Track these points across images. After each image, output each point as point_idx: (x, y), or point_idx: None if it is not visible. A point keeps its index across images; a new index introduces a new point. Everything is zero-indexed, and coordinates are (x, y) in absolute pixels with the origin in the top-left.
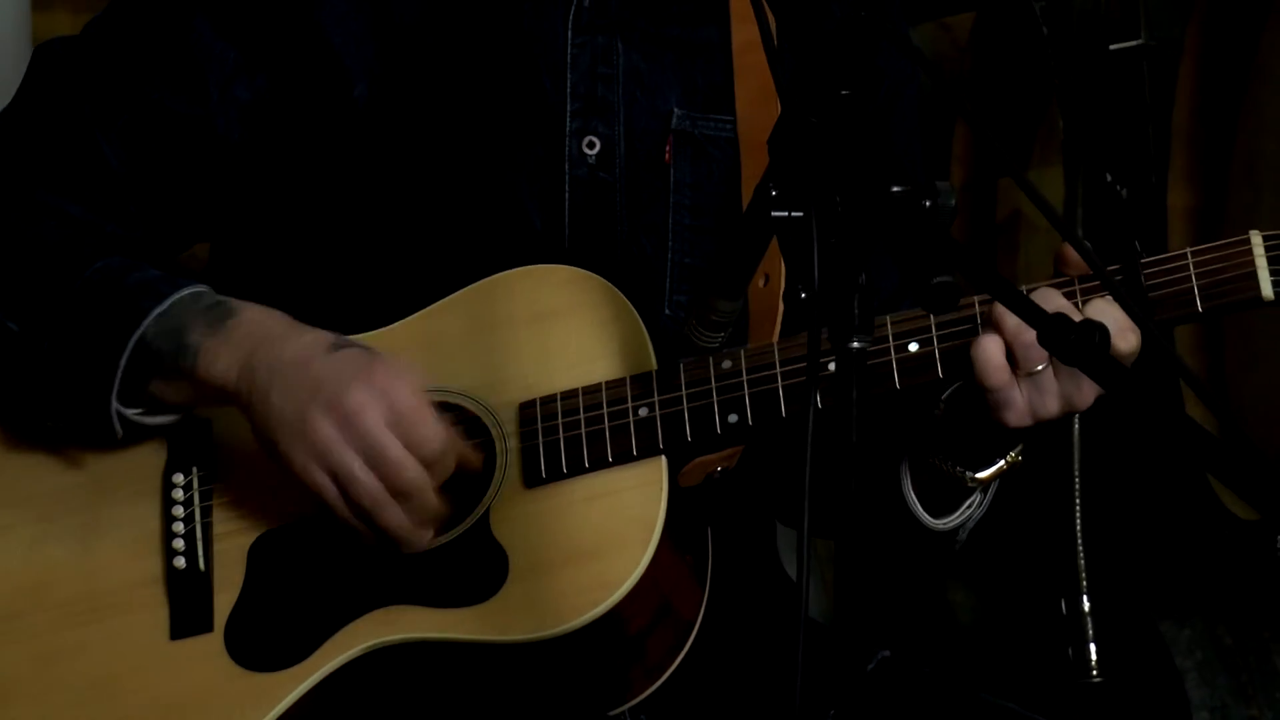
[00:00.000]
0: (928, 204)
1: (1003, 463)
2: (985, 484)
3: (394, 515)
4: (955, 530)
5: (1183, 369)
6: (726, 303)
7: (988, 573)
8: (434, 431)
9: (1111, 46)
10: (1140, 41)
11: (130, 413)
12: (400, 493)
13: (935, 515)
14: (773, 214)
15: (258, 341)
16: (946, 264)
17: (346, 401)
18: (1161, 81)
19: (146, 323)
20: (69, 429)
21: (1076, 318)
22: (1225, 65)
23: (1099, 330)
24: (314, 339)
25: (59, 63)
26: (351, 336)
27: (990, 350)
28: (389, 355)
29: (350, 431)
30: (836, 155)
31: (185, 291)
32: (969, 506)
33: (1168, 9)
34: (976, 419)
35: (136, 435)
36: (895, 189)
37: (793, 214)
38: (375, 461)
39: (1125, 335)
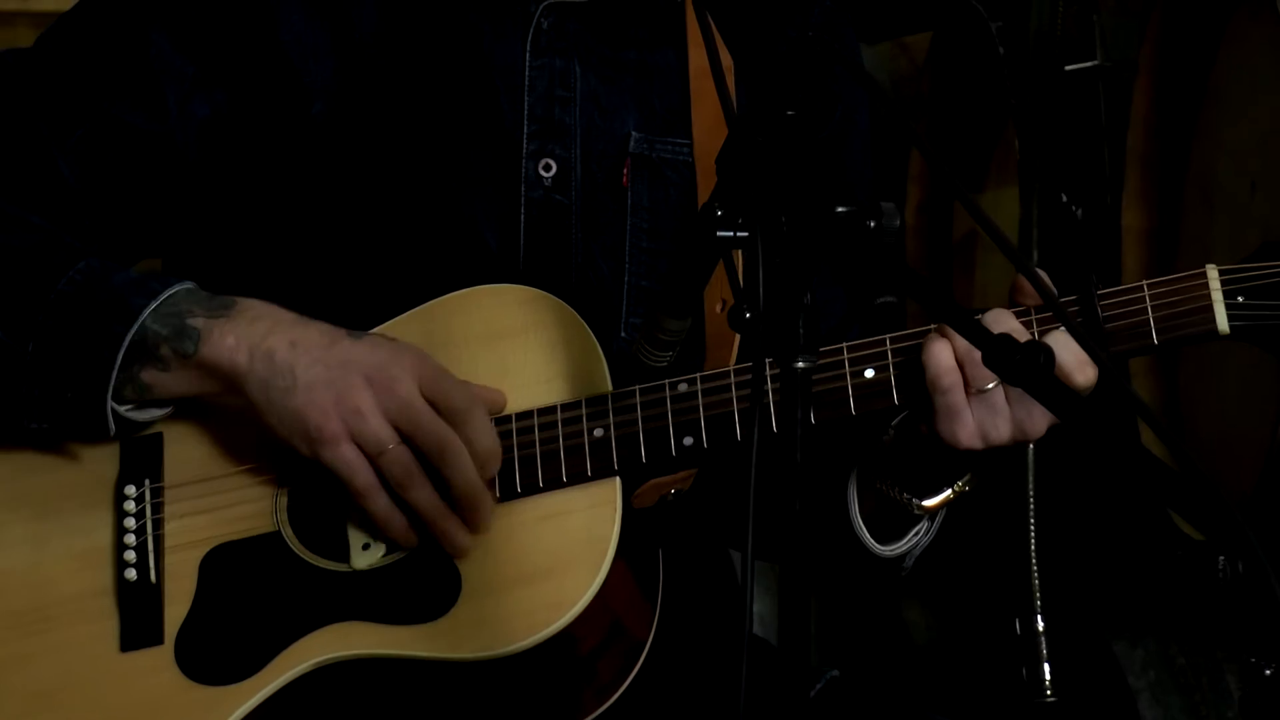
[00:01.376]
0: (872, 225)
1: (949, 492)
2: (932, 512)
3: (424, 493)
4: (901, 557)
5: (1137, 402)
6: (675, 321)
7: (942, 592)
8: (460, 388)
9: (1067, 67)
10: (1096, 62)
11: (123, 409)
12: (435, 449)
13: (882, 541)
14: (718, 234)
15: (271, 324)
16: (890, 284)
17: (382, 374)
18: (1116, 102)
19: (143, 317)
20: (57, 429)
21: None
22: (1179, 86)
23: (1043, 351)
24: (330, 327)
25: (10, 75)
26: None
27: (941, 353)
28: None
29: (388, 399)
30: (782, 176)
31: (179, 286)
32: (915, 534)
33: (1123, 30)
34: (926, 446)
35: (127, 431)
36: (840, 209)
37: (738, 234)
38: (411, 428)
39: (1083, 369)
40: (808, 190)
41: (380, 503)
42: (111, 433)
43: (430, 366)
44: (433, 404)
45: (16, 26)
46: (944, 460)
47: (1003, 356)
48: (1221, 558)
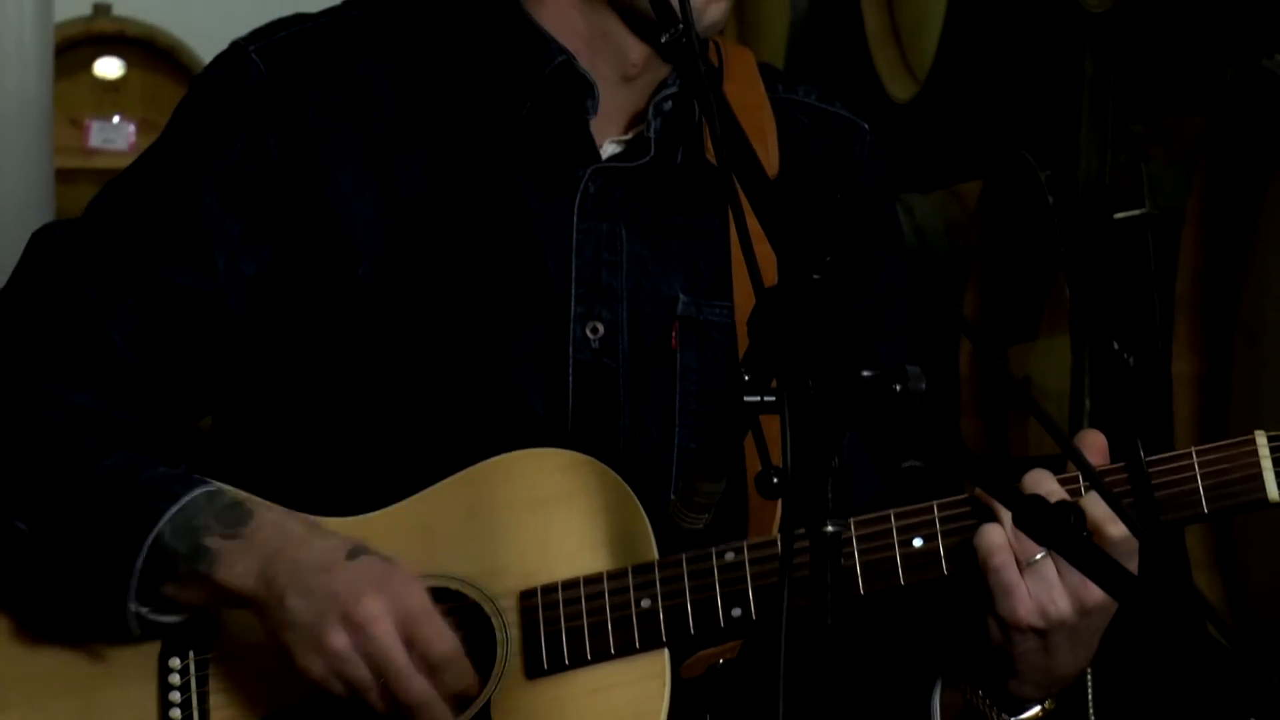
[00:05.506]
0: (898, 388)
1: (1038, 709)
2: None
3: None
4: None
5: (1181, 576)
6: (709, 484)
7: None
8: (440, 634)
9: (1116, 215)
10: (1144, 210)
11: (144, 610)
12: (409, 704)
13: None
14: (745, 399)
15: (277, 546)
16: (915, 448)
17: (359, 611)
18: (1165, 250)
19: (161, 523)
20: (84, 627)
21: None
22: (1226, 233)
23: (1073, 511)
24: (334, 544)
25: (59, 247)
26: (348, 519)
27: (991, 533)
28: (407, 568)
29: (362, 643)
30: (810, 340)
31: (199, 491)
32: None
33: (1171, 178)
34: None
35: (151, 632)
36: (865, 373)
37: (765, 398)
38: (385, 675)
39: (1114, 521)
40: (835, 354)
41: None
42: (135, 635)
43: (413, 606)
44: (410, 646)
45: (79, 184)
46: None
47: (1032, 518)
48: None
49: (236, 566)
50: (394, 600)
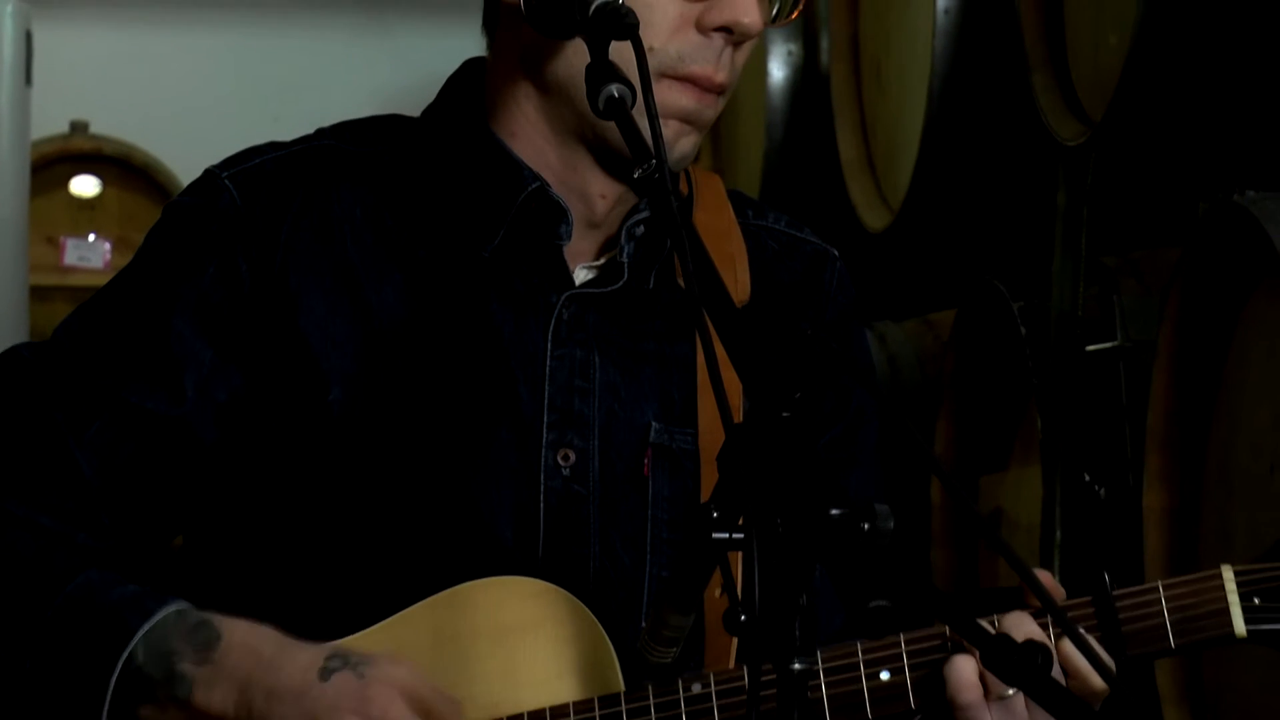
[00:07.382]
0: (866, 527)
1: None
2: None
3: None
4: None
5: (1151, 714)
6: (678, 617)
7: None
8: (451, 710)
9: (1088, 348)
10: (1116, 343)
11: None
12: None
13: None
14: (714, 535)
15: (250, 669)
16: (883, 588)
17: (375, 698)
18: (1137, 382)
19: (134, 641)
20: None
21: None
22: (1198, 366)
23: (1041, 652)
24: (306, 663)
25: (27, 369)
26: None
27: (963, 669)
28: (383, 669)
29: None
30: (777, 477)
31: (170, 609)
32: None
33: (1143, 310)
34: None
35: None
36: (834, 512)
37: (733, 536)
38: None
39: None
40: (804, 492)
41: None
42: None
43: (414, 681)
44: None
45: (53, 301)
46: None
47: (999, 658)
48: None
49: (214, 693)
50: (400, 682)
